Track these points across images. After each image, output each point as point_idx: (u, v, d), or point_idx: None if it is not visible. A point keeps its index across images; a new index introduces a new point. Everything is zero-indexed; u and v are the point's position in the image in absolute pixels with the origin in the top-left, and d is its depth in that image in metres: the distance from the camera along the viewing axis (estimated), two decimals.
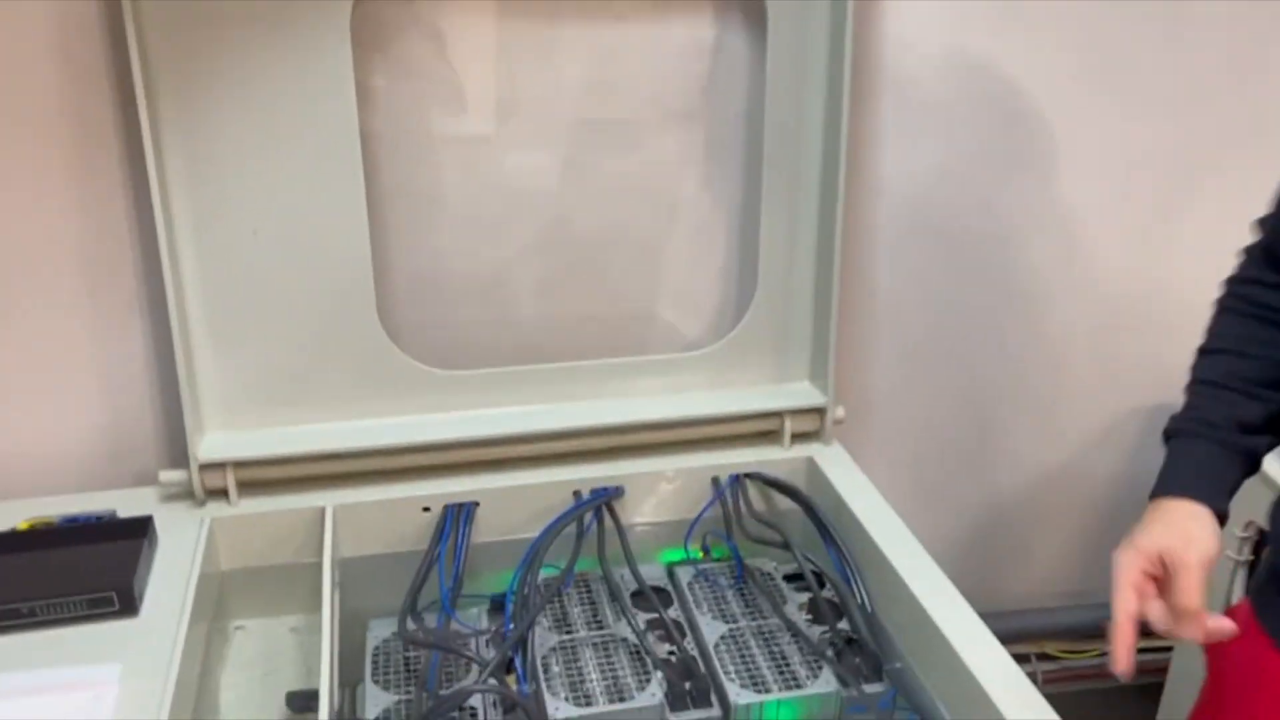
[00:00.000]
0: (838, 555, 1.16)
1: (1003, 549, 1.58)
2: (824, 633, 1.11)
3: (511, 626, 1.05)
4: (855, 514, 1.16)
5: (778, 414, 1.27)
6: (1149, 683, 1.60)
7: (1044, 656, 1.62)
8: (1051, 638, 1.59)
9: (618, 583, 1.15)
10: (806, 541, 1.20)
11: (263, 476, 1.17)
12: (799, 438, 1.28)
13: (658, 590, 1.17)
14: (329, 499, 1.17)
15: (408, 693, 1.04)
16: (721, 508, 1.23)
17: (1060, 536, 1.60)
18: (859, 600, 1.11)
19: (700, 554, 1.24)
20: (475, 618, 1.15)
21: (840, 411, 1.28)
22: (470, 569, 1.14)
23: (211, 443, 1.17)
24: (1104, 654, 1.61)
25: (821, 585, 1.14)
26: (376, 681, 1.06)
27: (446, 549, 1.14)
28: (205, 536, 1.11)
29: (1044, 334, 1.45)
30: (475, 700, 1.00)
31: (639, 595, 1.15)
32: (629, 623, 1.08)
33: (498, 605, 1.14)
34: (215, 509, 1.15)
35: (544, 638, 1.08)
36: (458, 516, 1.17)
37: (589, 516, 1.16)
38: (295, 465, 1.17)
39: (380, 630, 1.13)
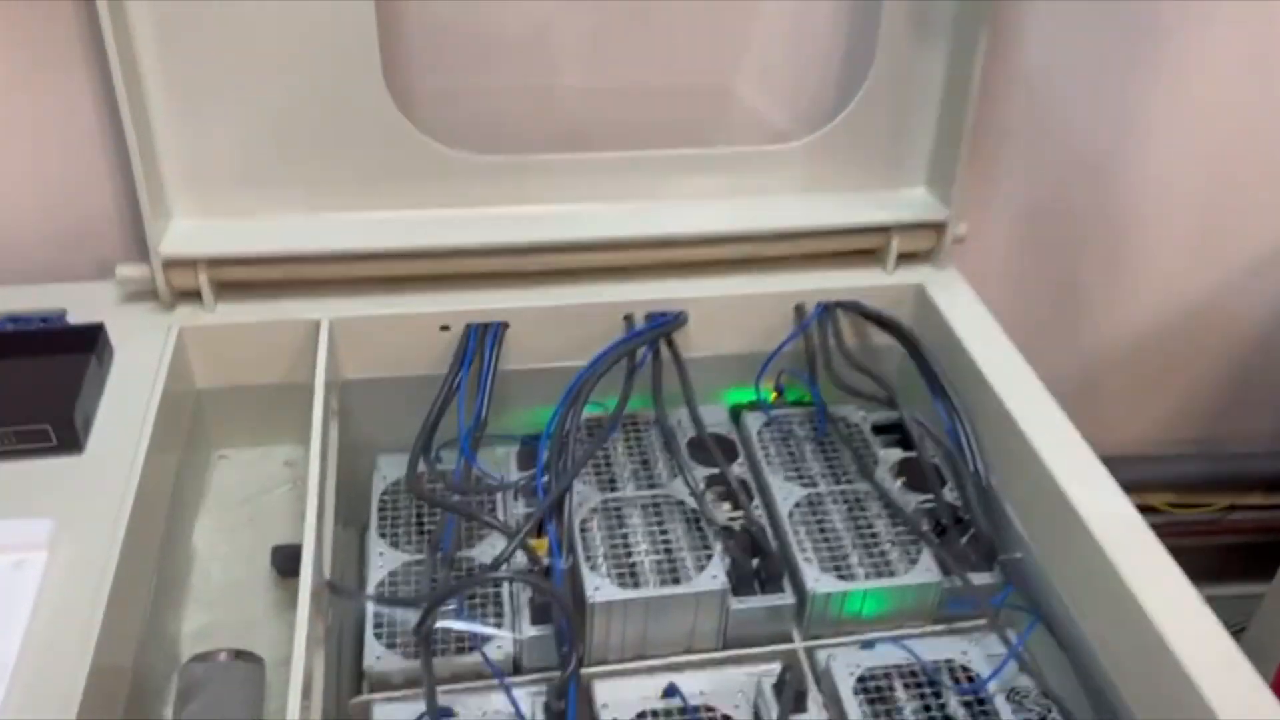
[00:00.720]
0: (946, 408, 0.93)
1: (1119, 392, 1.36)
2: (923, 503, 0.91)
3: (545, 479, 0.85)
4: (973, 357, 0.93)
5: (883, 229, 1.02)
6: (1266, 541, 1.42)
7: (1146, 509, 1.42)
8: (1160, 489, 1.39)
9: (672, 428, 0.94)
10: (907, 390, 0.98)
11: (245, 277, 0.96)
12: (906, 259, 1.04)
13: (720, 440, 0.97)
14: (325, 310, 0.95)
15: (420, 550, 0.86)
16: (805, 343, 1.00)
17: (1186, 380, 1.37)
18: (971, 467, 0.90)
19: (773, 395, 1.03)
20: (502, 461, 0.96)
21: (963, 228, 1.02)
22: (497, 403, 0.93)
23: (178, 233, 0.94)
24: (1230, 508, 1.45)
25: (924, 444, 0.93)
26: (384, 535, 0.88)
27: (468, 376, 0.93)
28: (172, 348, 0.90)
29: (1207, 138, 1.16)
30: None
31: (698, 445, 0.94)
32: (686, 481, 0.88)
33: (528, 449, 0.95)
34: (186, 315, 0.94)
35: (583, 494, 0.88)
36: (482, 338, 0.96)
37: (643, 350, 0.94)
38: (283, 266, 0.95)
39: (390, 468, 0.94)
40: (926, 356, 0.96)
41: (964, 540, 0.87)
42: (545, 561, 0.80)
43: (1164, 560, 0.75)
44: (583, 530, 0.85)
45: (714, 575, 0.82)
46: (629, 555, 0.84)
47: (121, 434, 0.81)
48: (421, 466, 0.87)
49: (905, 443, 0.97)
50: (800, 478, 0.93)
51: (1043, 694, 0.78)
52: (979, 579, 0.86)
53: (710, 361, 1.02)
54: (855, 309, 1.00)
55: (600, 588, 0.80)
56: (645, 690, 0.80)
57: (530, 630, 0.80)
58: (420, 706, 0.75)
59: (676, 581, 0.82)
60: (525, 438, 0.95)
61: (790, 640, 0.85)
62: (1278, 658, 1.19)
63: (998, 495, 0.89)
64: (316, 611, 0.72)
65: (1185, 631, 0.69)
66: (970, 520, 0.88)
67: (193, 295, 0.95)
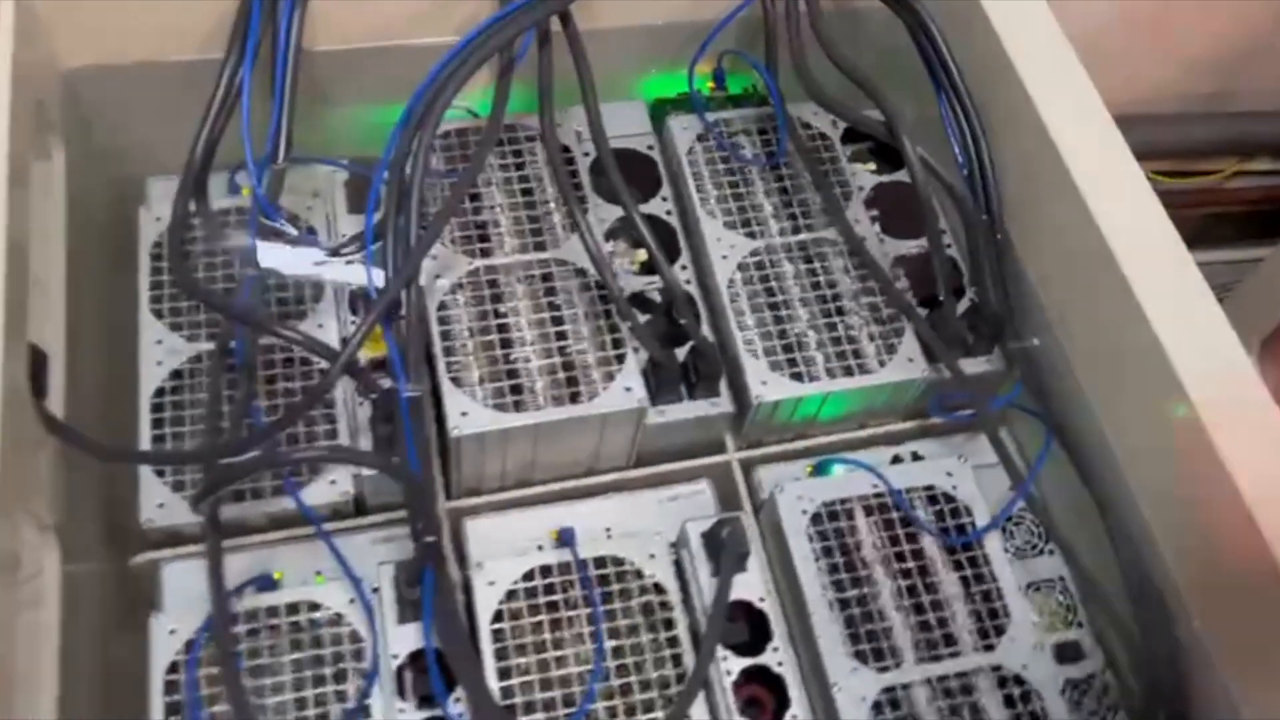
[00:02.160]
0: (953, 114, 0.66)
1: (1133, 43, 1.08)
2: (910, 255, 0.68)
3: (378, 245, 0.58)
4: (1001, 40, 0.64)
5: None
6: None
7: None
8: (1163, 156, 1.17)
9: (565, 145, 0.67)
10: (900, 86, 0.70)
11: None
12: None
13: (632, 160, 0.70)
14: None
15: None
16: (761, 9, 0.69)
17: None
18: (981, 203, 0.65)
19: (709, 86, 0.74)
20: (324, 197, 0.67)
21: None
22: (308, 108, 0.63)
23: None
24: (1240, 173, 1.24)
25: (915, 165, 0.67)
26: (159, 313, 0.62)
27: (253, 64, 0.62)
28: None
29: None
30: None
31: (601, 172, 0.67)
32: (583, 238, 0.62)
33: (360, 184, 0.66)
34: None
35: (443, 260, 0.62)
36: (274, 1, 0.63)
37: (522, 37, 0.62)
38: None
39: (165, 202, 0.65)
40: (932, 31, 0.66)
41: (961, 313, 0.65)
42: (384, 384, 0.56)
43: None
44: (442, 320, 0.61)
45: (627, 387, 0.59)
46: (508, 358, 0.60)
47: None
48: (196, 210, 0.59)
49: (888, 161, 0.72)
50: (744, 224, 0.67)
51: (1047, 536, 0.61)
52: (974, 366, 0.65)
53: (622, 36, 0.71)
54: None
55: (468, 414, 0.57)
56: (532, 531, 0.61)
57: None
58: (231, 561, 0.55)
59: (576, 399, 0.59)
60: (355, 163, 0.67)
61: (722, 449, 0.65)
62: None
63: (1015, 249, 0.65)
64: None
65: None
66: (972, 283, 0.66)
67: None
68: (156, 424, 0.59)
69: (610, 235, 0.67)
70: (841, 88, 0.65)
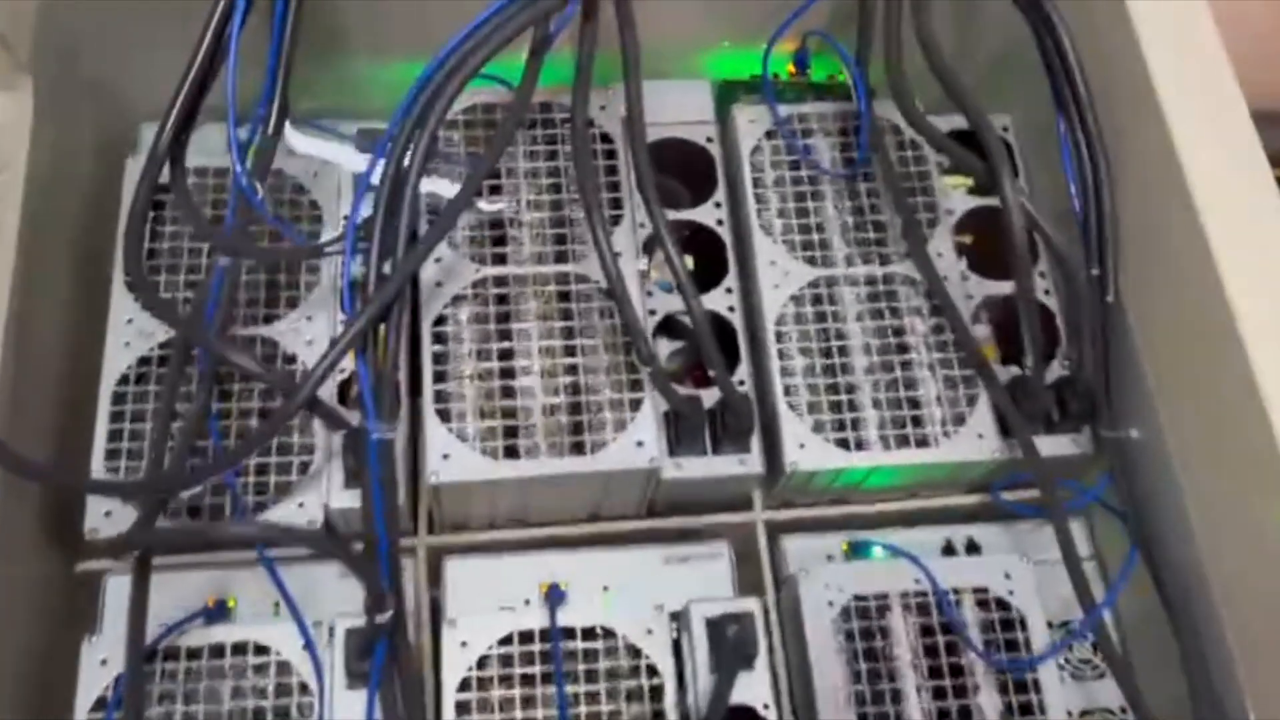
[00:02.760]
0: (1070, 135, 0.55)
1: None
2: (999, 300, 0.58)
3: (364, 248, 0.49)
4: (1146, 60, 0.52)
5: None
6: None
7: None
8: None
9: (586, 137, 0.57)
10: (1013, 97, 0.59)
11: None
12: None
13: (686, 152, 0.60)
14: None
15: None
16: None
17: None
18: (1094, 252, 0.54)
19: (788, 70, 0.63)
20: (331, 178, 0.59)
21: None
22: (324, 60, 0.55)
23: None
24: None
25: (1015, 197, 0.56)
26: (135, 285, 0.55)
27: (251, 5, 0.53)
28: None
29: None
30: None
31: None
32: (600, 251, 0.51)
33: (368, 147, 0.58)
34: None
35: (448, 263, 0.54)
36: None
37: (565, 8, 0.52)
38: None
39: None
40: (1060, 37, 0.54)
41: (1050, 383, 0.55)
42: (354, 420, 0.48)
43: None
44: (437, 337, 0.52)
45: (640, 440, 0.51)
46: (507, 390, 0.52)
47: None
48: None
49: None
50: (805, 246, 0.57)
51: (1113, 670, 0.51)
52: (1055, 445, 0.55)
53: (686, 9, 0.60)
54: None
55: (450, 457, 0.50)
56: (521, 579, 0.54)
57: (342, 498, 0.51)
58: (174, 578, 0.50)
59: (580, 449, 0.51)
60: (365, 131, 0.58)
61: (748, 505, 0.57)
62: None
63: (1127, 316, 0.54)
64: None
65: None
66: (1068, 350, 0.55)
67: None
68: (115, 418, 0.53)
69: (649, 245, 0.58)
70: (940, 102, 0.54)
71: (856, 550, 0.55)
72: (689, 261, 0.56)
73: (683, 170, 0.61)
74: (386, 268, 0.48)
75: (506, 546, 0.55)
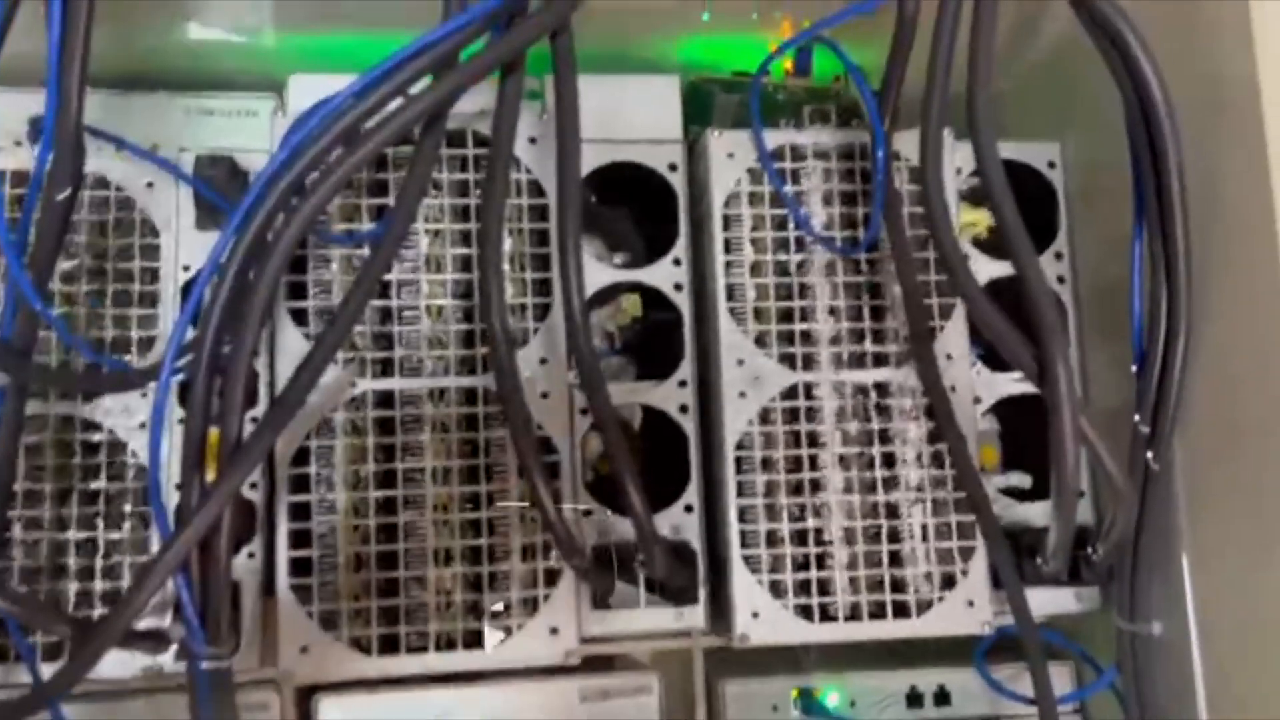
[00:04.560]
0: (1147, 248, 0.41)
1: None
2: (1014, 403, 0.46)
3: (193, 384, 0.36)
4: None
5: None
6: None
7: None
8: None
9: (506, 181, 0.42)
10: (1059, 104, 0.44)
11: None
12: None
13: (638, 181, 0.45)
14: None
15: None
16: (898, 10, 0.41)
17: None
18: (1150, 399, 0.42)
19: (783, 70, 0.47)
20: (161, 204, 0.43)
21: None
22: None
23: None
24: None
25: (1044, 298, 0.43)
26: None
27: None
28: None
29: None
30: None
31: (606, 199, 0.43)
32: (496, 353, 0.39)
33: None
34: None
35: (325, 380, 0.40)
36: None
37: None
38: None
39: None
40: (1156, 119, 0.40)
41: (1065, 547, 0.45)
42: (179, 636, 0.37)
43: None
44: (295, 483, 0.40)
45: (553, 627, 0.41)
46: (391, 574, 0.40)
47: None
48: None
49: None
50: (784, 339, 0.44)
51: None
52: (1058, 600, 0.46)
53: None
54: None
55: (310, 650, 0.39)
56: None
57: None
58: None
59: (477, 642, 0.40)
60: (208, 161, 0.42)
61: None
62: None
63: (1173, 483, 0.43)
64: None
65: None
66: (1095, 510, 0.45)
67: None
68: None
69: (601, 299, 0.45)
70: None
71: (807, 703, 0.47)
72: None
73: (636, 204, 0.47)
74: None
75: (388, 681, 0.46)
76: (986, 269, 0.46)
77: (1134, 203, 0.42)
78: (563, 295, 0.40)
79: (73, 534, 0.42)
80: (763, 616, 0.43)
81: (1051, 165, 0.49)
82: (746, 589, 0.43)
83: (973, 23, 0.41)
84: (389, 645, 0.40)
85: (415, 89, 0.36)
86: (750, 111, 0.45)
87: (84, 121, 0.36)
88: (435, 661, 0.40)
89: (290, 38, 0.46)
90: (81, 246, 0.43)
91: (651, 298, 0.46)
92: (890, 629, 0.44)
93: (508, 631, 0.41)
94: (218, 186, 0.41)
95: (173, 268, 0.43)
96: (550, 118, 0.41)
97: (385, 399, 0.41)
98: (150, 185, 0.44)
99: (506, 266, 0.42)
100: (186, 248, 0.43)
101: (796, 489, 0.44)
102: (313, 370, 0.35)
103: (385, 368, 0.41)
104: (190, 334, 0.36)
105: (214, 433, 0.36)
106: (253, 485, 0.41)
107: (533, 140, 0.43)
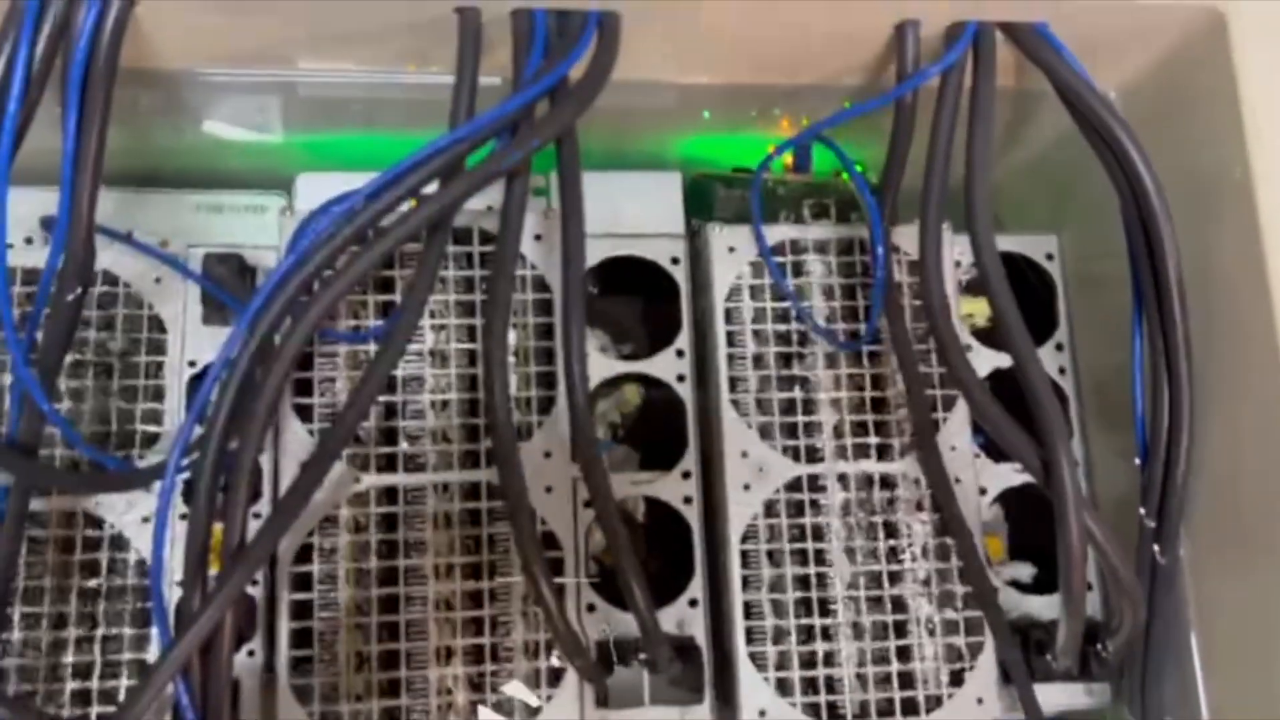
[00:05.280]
0: (1147, 348, 0.42)
1: None
2: (1020, 495, 0.46)
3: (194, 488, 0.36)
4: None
5: None
6: None
7: None
8: None
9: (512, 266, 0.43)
10: (1056, 196, 0.45)
11: None
12: None
13: (641, 274, 0.46)
14: None
15: None
16: (896, 110, 0.43)
17: None
18: (1155, 498, 0.42)
19: (783, 166, 0.48)
20: (170, 299, 0.44)
21: None
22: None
23: None
24: None
25: (1049, 408, 0.43)
26: None
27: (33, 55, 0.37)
28: None
29: None
30: None
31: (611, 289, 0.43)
32: (502, 457, 0.40)
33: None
34: None
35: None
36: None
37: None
38: None
39: None
40: (1151, 214, 0.41)
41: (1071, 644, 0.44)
42: None
43: None
44: (296, 584, 0.40)
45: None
46: (388, 664, 0.40)
47: None
48: None
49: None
50: (789, 432, 0.44)
51: None
52: (1066, 694, 0.45)
53: (658, 89, 0.45)
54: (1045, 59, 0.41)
55: None
56: None
57: None
58: None
59: None
60: (217, 259, 0.43)
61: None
62: None
63: (1183, 583, 0.43)
64: None
65: None
66: (1104, 607, 0.45)
67: None
68: None
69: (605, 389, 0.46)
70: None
71: None
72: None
73: (642, 296, 0.48)
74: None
75: None
76: (989, 360, 0.47)
77: (1133, 296, 0.42)
78: (566, 388, 0.40)
79: (71, 631, 0.41)
80: (770, 715, 0.42)
81: (1050, 257, 0.50)
82: (753, 687, 0.42)
83: (970, 119, 0.42)
84: None
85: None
86: (751, 206, 0.46)
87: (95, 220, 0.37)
88: None
89: (297, 137, 0.47)
90: (89, 342, 0.43)
91: (654, 387, 0.46)
92: None
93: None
94: (226, 283, 0.42)
95: (178, 363, 0.44)
96: (555, 216, 0.42)
97: (389, 494, 0.41)
98: (158, 281, 0.44)
99: (511, 359, 0.43)
100: (193, 343, 0.44)
101: (803, 583, 0.44)
102: (318, 469, 0.35)
103: (389, 462, 0.41)
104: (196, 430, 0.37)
105: (217, 529, 0.36)
106: (254, 582, 0.41)
107: (538, 237, 0.44)
